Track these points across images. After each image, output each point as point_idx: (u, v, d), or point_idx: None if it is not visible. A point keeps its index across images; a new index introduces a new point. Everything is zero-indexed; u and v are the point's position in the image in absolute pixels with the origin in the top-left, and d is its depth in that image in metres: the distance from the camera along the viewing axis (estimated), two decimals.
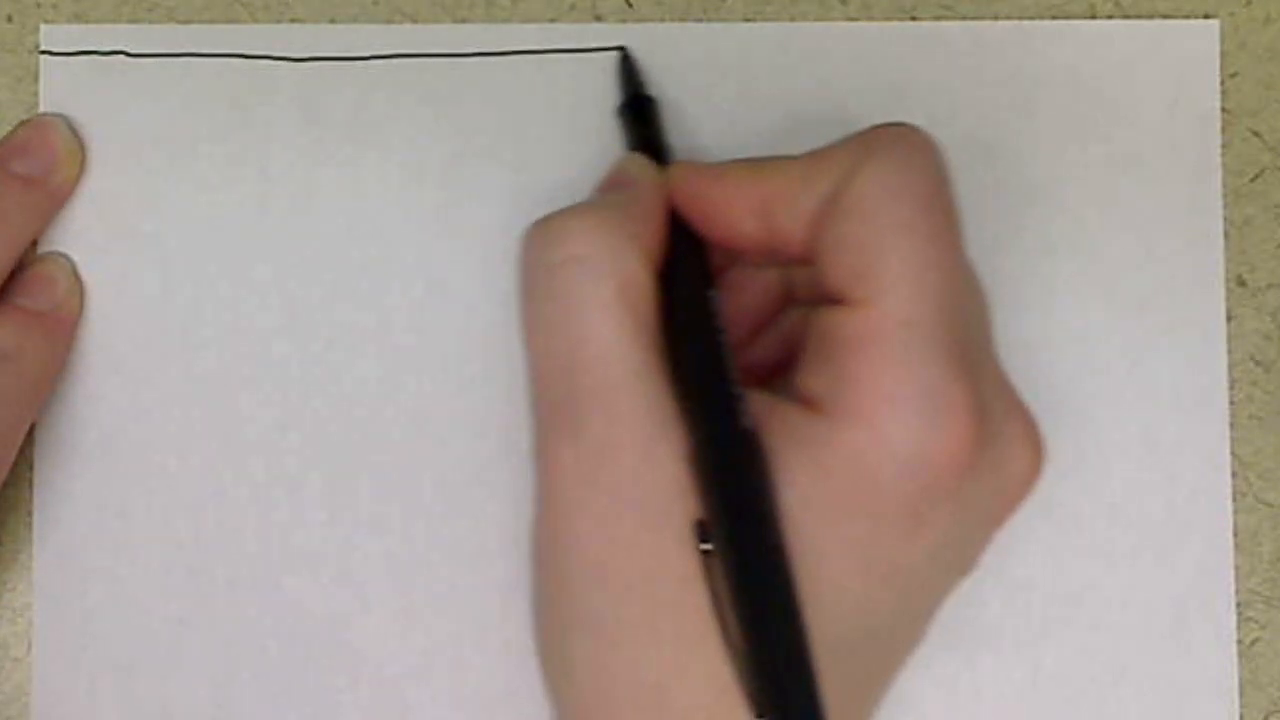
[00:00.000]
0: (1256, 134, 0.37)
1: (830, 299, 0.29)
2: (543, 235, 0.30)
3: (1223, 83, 0.36)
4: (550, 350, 0.30)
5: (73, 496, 0.36)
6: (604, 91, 0.36)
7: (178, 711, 0.36)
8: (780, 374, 0.32)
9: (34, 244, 0.36)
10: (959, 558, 0.30)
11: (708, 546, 0.28)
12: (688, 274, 0.31)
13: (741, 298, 0.33)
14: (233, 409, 0.36)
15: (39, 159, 0.35)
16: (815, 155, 0.30)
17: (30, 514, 0.36)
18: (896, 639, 0.30)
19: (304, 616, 0.36)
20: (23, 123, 0.36)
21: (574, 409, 0.29)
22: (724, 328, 0.30)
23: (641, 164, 0.33)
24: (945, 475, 0.28)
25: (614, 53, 0.36)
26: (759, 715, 0.27)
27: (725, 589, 0.27)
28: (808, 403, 0.29)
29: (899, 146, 0.29)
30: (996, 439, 0.29)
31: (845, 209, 0.29)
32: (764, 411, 0.29)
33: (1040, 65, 0.36)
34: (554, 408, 0.29)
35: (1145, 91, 0.36)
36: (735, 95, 0.36)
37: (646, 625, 0.28)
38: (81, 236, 0.36)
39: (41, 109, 0.36)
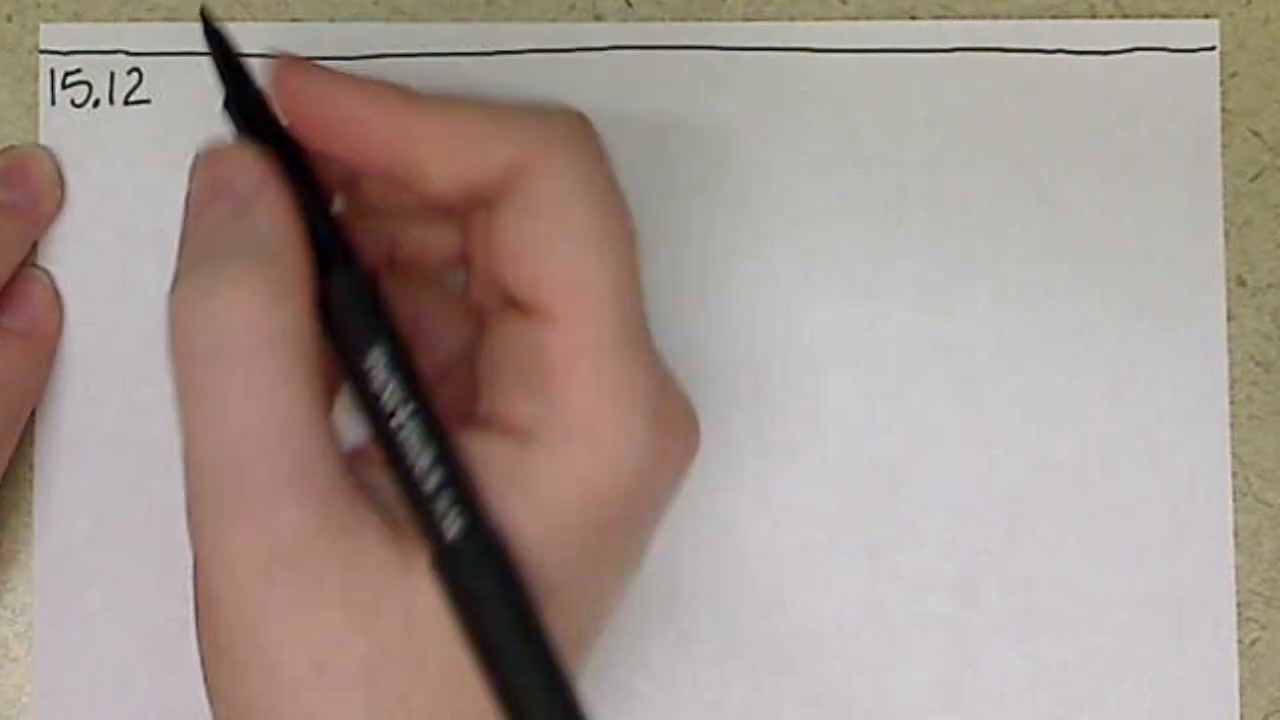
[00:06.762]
0: (1256, 134, 0.37)
1: (502, 291, 0.28)
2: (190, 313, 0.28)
3: (1223, 83, 0.36)
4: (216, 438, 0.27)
5: (73, 496, 0.36)
6: (604, 91, 0.36)
7: (178, 711, 0.35)
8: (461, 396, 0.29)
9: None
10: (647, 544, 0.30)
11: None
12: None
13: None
14: None
15: (23, 188, 0.35)
16: (491, 114, 0.27)
17: (30, 514, 0.36)
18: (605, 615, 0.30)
19: None
20: (5, 150, 0.36)
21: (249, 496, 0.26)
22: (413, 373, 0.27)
23: (246, 165, 0.28)
24: (668, 477, 0.28)
25: (608, 53, 0.36)
26: None
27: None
28: (512, 432, 0.27)
29: (577, 141, 0.27)
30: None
31: (527, 205, 0.27)
32: (475, 453, 0.27)
33: (1039, 65, 0.36)
34: (216, 494, 0.26)
35: (1145, 91, 0.36)
36: (733, 94, 0.36)
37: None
38: (80, 237, 0.36)
39: (41, 109, 0.36)
